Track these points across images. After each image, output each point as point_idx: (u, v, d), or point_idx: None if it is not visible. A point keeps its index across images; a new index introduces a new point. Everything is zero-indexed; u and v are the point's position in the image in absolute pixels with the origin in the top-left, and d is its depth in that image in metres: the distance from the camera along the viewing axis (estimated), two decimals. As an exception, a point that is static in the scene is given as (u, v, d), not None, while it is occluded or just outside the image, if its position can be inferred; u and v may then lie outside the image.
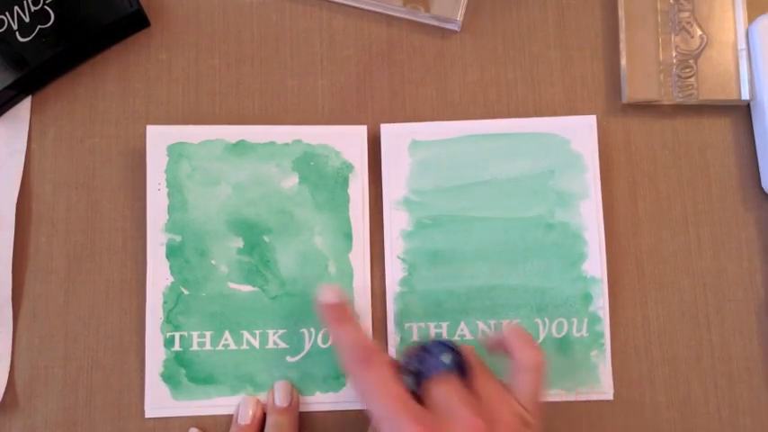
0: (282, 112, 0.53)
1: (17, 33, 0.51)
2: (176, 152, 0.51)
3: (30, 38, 0.51)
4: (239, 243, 0.51)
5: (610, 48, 0.55)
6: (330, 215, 0.51)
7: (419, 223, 0.51)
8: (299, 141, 0.52)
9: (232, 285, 0.50)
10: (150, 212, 0.51)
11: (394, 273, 0.51)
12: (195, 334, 0.50)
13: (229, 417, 0.49)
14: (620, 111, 0.54)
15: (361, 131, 0.52)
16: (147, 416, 0.49)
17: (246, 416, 0.48)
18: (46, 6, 0.51)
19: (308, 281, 0.51)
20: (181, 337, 0.50)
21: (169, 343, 0.50)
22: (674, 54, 0.53)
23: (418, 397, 0.39)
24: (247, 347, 0.50)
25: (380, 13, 0.55)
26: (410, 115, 0.54)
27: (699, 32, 0.53)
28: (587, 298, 0.50)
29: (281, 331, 0.50)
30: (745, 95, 0.52)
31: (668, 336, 0.51)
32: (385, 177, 0.52)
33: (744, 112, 0.54)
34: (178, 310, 0.50)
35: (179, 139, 0.52)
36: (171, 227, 0.51)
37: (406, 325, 0.51)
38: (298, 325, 0.50)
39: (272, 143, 0.52)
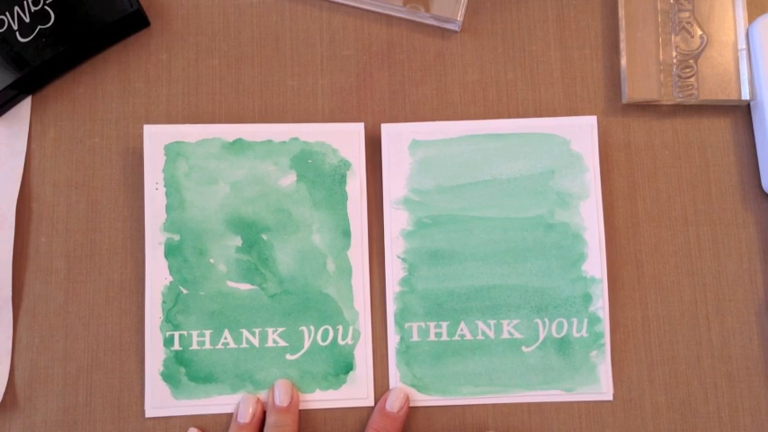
0: (282, 111, 0.53)
1: (17, 33, 0.51)
2: (173, 151, 0.51)
3: (30, 38, 0.51)
4: (238, 242, 0.51)
5: (610, 48, 0.55)
6: (328, 213, 0.51)
7: (419, 223, 0.51)
8: (296, 139, 0.52)
9: (231, 284, 0.50)
10: (148, 212, 0.51)
11: (394, 272, 0.51)
12: (195, 333, 0.50)
13: (230, 415, 0.49)
14: (620, 111, 0.54)
15: (358, 129, 0.52)
16: (147, 415, 0.49)
17: (246, 414, 0.48)
18: (46, 6, 0.51)
19: (307, 279, 0.51)
20: (180, 336, 0.50)
21: (169, 342, 0.50)
22: (674, 54, 0.53)
23: None
24: (247, 346, 0.50)
25: (380, 13, 0.55)
26: (410, 115, 0.54)
27: (699, 32, 0.53)
28: (587, 298, 0.50)
29: (280, 329, 0.50)
30: (745, 95, 0.52)
31: (668, 336, 0.51)
32: (385, 177, 0.52)
33: (744, 112, 0.54)
34: (177, 310, 0.50)
35: (176, 138, 0.52)
36: (169, 226, 0.51)
37: (406, 325, 0.51)
38: (297, 323, 0.50)
39: (270, 141, 0.52)
